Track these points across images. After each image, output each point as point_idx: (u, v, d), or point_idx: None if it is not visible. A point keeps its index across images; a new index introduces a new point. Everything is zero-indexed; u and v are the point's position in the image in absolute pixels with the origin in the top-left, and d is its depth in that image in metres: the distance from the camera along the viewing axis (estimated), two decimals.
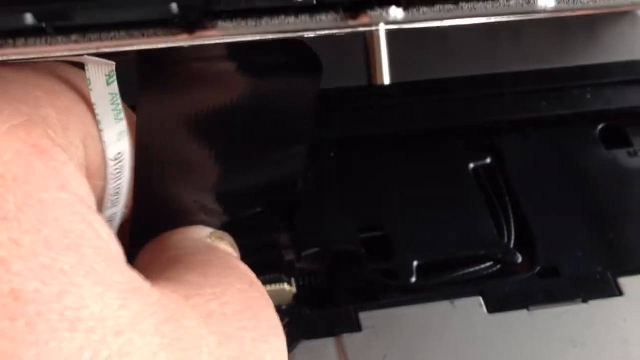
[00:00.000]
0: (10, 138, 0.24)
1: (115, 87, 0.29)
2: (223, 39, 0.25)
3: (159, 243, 0.31)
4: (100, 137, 0.29)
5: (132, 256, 0.34)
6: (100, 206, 0.31)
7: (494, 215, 0.41)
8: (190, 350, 0.24)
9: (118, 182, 0.31)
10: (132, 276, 0.24)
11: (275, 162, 0.35)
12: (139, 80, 0.31)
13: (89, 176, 0.29)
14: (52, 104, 0.27)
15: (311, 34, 0.27)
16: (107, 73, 0.28)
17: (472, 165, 0.43)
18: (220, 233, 0.33)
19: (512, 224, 0.41)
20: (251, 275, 0.30)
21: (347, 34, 0.37)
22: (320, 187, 0.41)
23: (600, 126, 0.44)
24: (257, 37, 0.25)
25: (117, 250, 0.25)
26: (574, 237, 0.41)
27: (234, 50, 0.30)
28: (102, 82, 0.28)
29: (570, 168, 0.43)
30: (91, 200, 0.26)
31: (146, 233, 0.34)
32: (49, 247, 0.22)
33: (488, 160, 0.43)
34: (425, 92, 0.44)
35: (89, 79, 0.28)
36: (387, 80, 0.36)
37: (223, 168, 0.34)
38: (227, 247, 0.33)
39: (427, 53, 0.44)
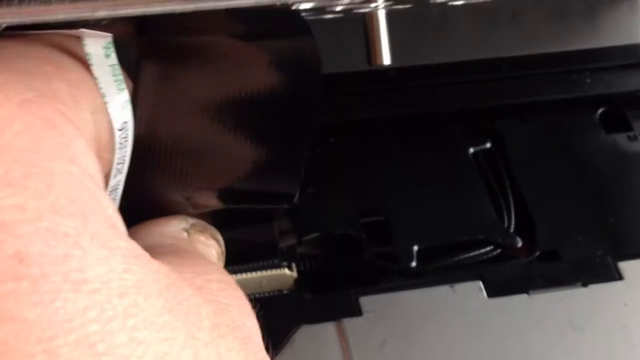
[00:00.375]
0: (22, 111, 0.24)
1: (114, 58, 0.29)
2: (217, 2, 0.25)
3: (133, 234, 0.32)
4: (106, 109, 0.29)
5: None
6: (108, 177, 0.31)
7: (494, 200, 0.41)
8: (192, 315, 0.24)
9: (123, 150, 0.31)
10: (135, 245, 0.24)
11: (275, 158, 0.35)
12: (138, 61, 0.31)
13: (100, 149, 0.29)
14: (63, 77, 0.27)
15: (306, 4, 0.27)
16: (105, 45, 0.28)
17: (471, 150, 0.43)
18: (201, 225, 0.33)
19: (512, 208, 0.41)
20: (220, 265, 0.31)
21: (347, 17, 0.37)
22: (320, 172, 0.41)
23: (600, 110, 0.44)
24: (251, 2, 0.25)
25: (121, 226, 0.25)
26: (573, 221, 0.41)
27: (233, 23, 0.30)
28: (101, 55, 0.28)
29: (570, 152, 0.43)
30: (99, 178, 0.26)
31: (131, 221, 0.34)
32: (54, 212, 0.22)
33: (488, 145, 0.43)
34: (424, 77, 0.44)
35: (89, 54, 0.28)
36: (387, 60, 0.36)
37: (222, 160, 0.34)
38: (207, 239, 0.33)
39: (426, 38, 0.44)
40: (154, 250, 0.28)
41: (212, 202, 0.35)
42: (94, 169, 0.26)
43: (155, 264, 0.24)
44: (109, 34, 0.28)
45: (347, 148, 0.43)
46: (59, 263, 0.21)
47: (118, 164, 0.31)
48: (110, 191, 0.32)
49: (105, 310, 0.21)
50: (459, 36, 0.44)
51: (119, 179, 0.32)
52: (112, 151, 0.30)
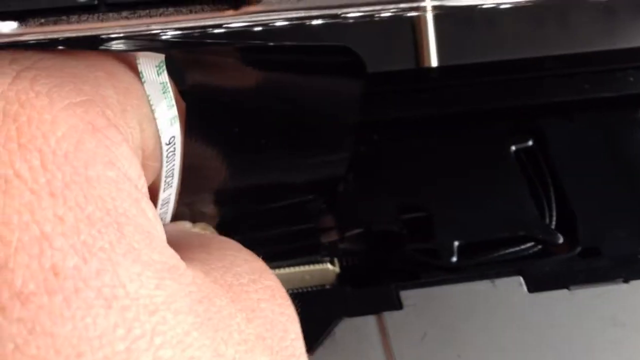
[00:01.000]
0: (67, 114, 0.24)
1: (165, 76, 0.30)
2: (268, 15, 0.26)
3: None
4: (155, 122, 0.30)
5: None
6: (157, 188, 0.32)
7: (535, 197, 0.41)
8: (222, 330, 0.24)
9: (172, 164, 0.32)
10: (170, 254, 0.24)
11: (314, 167, 0.36)
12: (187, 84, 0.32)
13: (145, 157, 0.30)
14: (112, 84, 0.27)
15: (354, 12, 0.27)
16: (157, 64, 0.29)
17: (513, 148, 0.43)
18: (203, 224, 0.34)
19: (554, 205, 0.41)
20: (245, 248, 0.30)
21: (394, 19, 0.37)
22: (364, 169, 0.42)
23: None
24: (301, 14, 0.26)
25: (160, 230, 0.25)
26: (615, 218, 0.41)
27: (279, 47, 0.30)
28: (153, 73, 0.29)
29: (613, 150, 0.43)
30: (141, 183, 0.26)
31: None
32: (91, 225, 0.22)
33: (530, 143, 0.43)
34: (468, 75, 0.44)
35: (141, 72, 0.29)
36: (434, 62, 0.37)
37: (254, 167, 0.35)
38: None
39: (472, 36, 0.44)
40: (181, 246, 0.28)
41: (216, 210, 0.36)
42: (136, 174, 0.26)
43: (188, 276, 0.24)
44: (162, 55, 0.29)
45: (390, 145, 0.43)
46: (92, 278, 0.22)
47: (167, 177, 0.32)
48: (162, 204, 0.33)
49: (134, 328, 0.22)
50: (504, 35, 0.44)
51: (169, 193, 0.33)
52: (159, 161, 0.31)
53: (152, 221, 0.25)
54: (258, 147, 0.35)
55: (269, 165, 0.36)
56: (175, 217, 0.35)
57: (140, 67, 0.29)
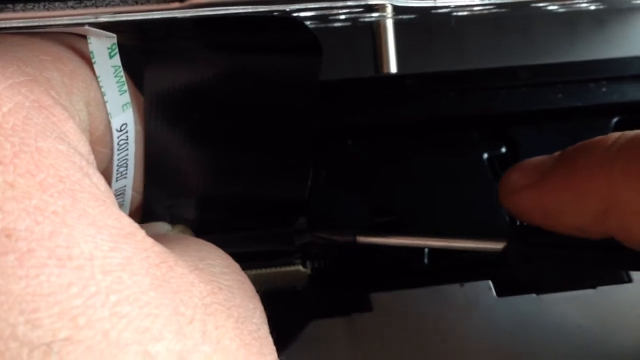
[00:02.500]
0: (12, 92, 0.25)
1: (117, 59, 0.30)
2: (215, 9, 0.26)
3: None
4: (105, 107, 0.30)
5: None
6: (109, 176, 0.32)
7: None
8: (182, 293, 0.24)
9: (124, 153, 0.32)
10: (127, 222, 0.25)
11: (277, 153, 0.36)
12: (145, 75, 0.32)
13: (93, 142, 0.30)
14: (57, 67, 0.28)
15: (302, 7, 0.27)
16: (109, 46, 0.29)
17: (486, 155, 0.43)
18: (182, 227, 0.34)
19: None
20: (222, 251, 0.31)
21: (356, 26, 0.37)
22: (337, 174, 0.42)
23: (615, 119, 0.45)
24: (249, 9, 0.26)
25: (113, 200, 0.26)
26: None
27: (229, 27, 0.30)
28: (104, 55, 0.29)
29: None
30: (92, 158, 0.27)
31: None
32: (43, 190, 0.23)
33: (503, 150, 0.44)
34: (440, 83, 0.44)
35: (92, 52, 0.29)
36: (393, 68, 0.37)
37: (218, 159, 0.35)
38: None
39: (438, 46, 0.45)
40: (160, 239, 0.28)
41: (195, 213, 0.36)
42: (85, 149, 0.26)
43: (148, 242, 0.25)
44: (114, 35, 0.29)
45: (363, 151, 0.43)
46: (45, 239, 0.22)
47: (119, 166, 0.32)
48: (117, 195, 0.33)
49: (88, 286, 0.22)
50: (469, 46, 0.45)
51: (123, 184, 0.33)
52: (110, 148, 0.31)
53: (104, 192, 0.25)
54: (220, 147, 0.35)
55: (234, 165, 0.36)
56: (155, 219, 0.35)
57: (92, 47, 0.29)
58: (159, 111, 0.32)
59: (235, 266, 0.29)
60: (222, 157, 0.35)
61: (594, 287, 0.38)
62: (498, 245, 0.36)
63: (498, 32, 0.46)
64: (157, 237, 0.29)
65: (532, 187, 0.35)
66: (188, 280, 0.25)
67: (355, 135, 0.44)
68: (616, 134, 0.33)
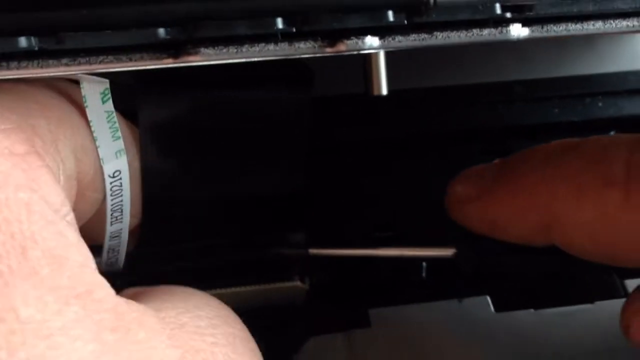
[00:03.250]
0: None
1: (110, 104, 0.30)
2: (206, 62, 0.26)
3: None
4: (97, 152, 0.30)
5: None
6: (102, 220, 0.32)
7: None
8: None
9: (118, 199, 0.32)
10: (87, 281, 0.24)
11: (271, 177, 0.36)
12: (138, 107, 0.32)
13: (83, 187, 0.30)
14: (44, 115, 0.28)
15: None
16: (102, 91, 0.29)
17: None
18: None
19: None
20: (216, 299, 0.30)
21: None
22: (335, 189, 0.42)
23: (612, 133, 0.45)
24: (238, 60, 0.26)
25: (83, 255, 0.25)
26: None
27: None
28: (97, 100, 0.29)
29: None
30: (65, 210, 0.26)
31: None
32: None
33: None
34: (437, 97, 0.44)
35: (85, 96, 0.29)
36: (384, 90, 0.37)
37: (214, 187, 0.35)
38: None
39: (432, 61, 0.45)
40: (145, 291, 0.28)
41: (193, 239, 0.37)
42: (58, 200, 0.26)
43: (107, 303, 0.24)
44: (107, 80, 0.29)
45: (362, 166, 0.43)
46: None
47: (114, 211, 0.32)
48: (112, 237, 0.33)
49: (17, 351, 0.22)
50: (461, 61, 0.45)
51: (118, 227, 0.33)
52: (102, 192, 0.31)
53: (72, 245, 0.25)
54: (216, 167, 0.35)
55: (230, 184, 0.36)
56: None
57: (84, 92, 0.29)
58: (153, 142, 0.32)
59: (229, 318, 0.29)
60: (219, 178, 0.35)
61: (591, 301, 0.38)
62: (448, 252, 0.36)
63: (489, 51, 0.46)
64: (135, 294, 0.29)
65: (476, 200, 0.35)
66: (149, 346, 0.24)
67: (354, 151, 0.44)
68: (552, 144, 0.34)
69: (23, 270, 0.23)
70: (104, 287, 0.24)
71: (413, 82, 0.45)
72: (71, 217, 0.26)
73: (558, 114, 0.45)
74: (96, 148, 0.30)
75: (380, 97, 0.44)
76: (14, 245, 0.23)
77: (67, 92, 0.30)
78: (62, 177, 0.28)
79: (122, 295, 0.25)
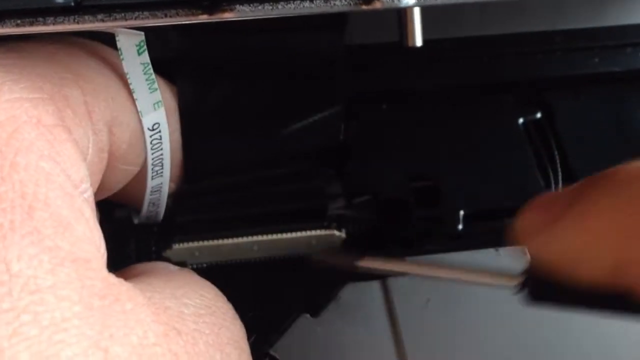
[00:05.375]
0: (11, 106, 0.25)
1: (146, 56, 0.30)
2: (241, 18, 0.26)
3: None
4: (135, 115, 0.30)
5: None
6: (143, 176, 0.33)
7: (542, 168, 0.42)
8: (118, 328, 0.23)
9: (159, 153, 0.32)
10: (87, 249, 0.24)
11: (310, 122, 0.36)
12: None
13: (115, 159, 0.30)
14: (79, 85, 0.28)
15: None
16: (137, 43, 0.29)
17: (521, 120, 0.43)
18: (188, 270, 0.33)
19: (560, 177, 0.41)
20: (217, 290, 0.30)
21: None
22: (372, 138, 0.42)
23: None
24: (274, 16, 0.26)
25: (91, 230, 0.25)
26: None
27: None
28: (133, 52, 0.29)
29: (622, 125, 0.43)
30: (84, 186, 0.26)
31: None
32: None
33: (538, 115, 0.44)
34: (475, 47, 0.44)
35: (120, 49, 0.29)
36: (419, 42, 0.37)
37: (255, 134, 0.36)
38: None
39: (467, 11, 0.44)
40: (145, 273, 0.29)
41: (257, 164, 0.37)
42: (77, 176, 0.26)
43: (99, 271, 0.24)
44: (142, 32, 0.29)
45: (398, 115, 0.43)
46: None
47: (155, 165, 0.32)
48: (153, 191, 0.34)
49: (2, 301, 0.22)
50: (503, 10, 0.45)
51: (159, 182, 0.33)
52: (134, 165, 0.31)
53: (83, 219, 0.25)
54: (254, 113, 0.35)
55: (268, 131, 0.36)
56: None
57: (120, 44, 0.29)
58: (192, 96, 0.33)
59: (220, 309, 0.29)
60: (258, 131, 0.36)
61: None
62: (512, 282, 0.34)
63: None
64: (143, 269, 0.30)
65: (545, 231, 0.29)
66: (135, 317, 0.24)
67: (390, 99, 0.44)
68: (634, 164, 0.28)
69: (24, 227, 0.23)
70: (102, 262, 0.25)
71: (449, 32, 0.44)
72: (89, 194, 0.27)
73: (598, 64, 0.45)
74: (135, 106, 0.30)
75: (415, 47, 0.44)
76: (22, 204, 0.23)
77: (103, 57, 0.30)
78: (91, 150, 0.28)
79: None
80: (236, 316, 0.29)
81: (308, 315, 0.36)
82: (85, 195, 0.26)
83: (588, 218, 0.27)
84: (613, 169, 0.28)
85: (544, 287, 0.30)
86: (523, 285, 0.31)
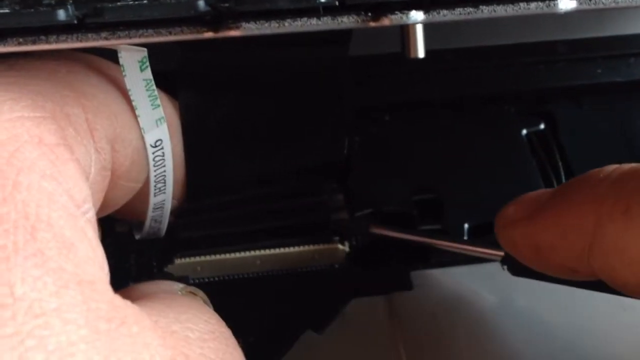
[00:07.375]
0: (12, 125, 0.25)
1: (148, 73, 0.30)
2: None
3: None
4: (137, 132, 0.30)
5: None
6: (146, 193, 0.32)
7: (546, 180, 0.42)
8: (125, 353, 0.23)
9: (161, 170, 0.32)
10: (92, 272, 0.24)
11: (314, 139, 0.36)
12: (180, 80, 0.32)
13: (117, 177, 0.30)
14: (81, 103, 0.28)
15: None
16: (140, 59, 0.29)
17: (525, 131, 0.43)
18: (192, 288, 0.33)
19: None
20: (218, 316, 0.30)
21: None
22: (374, 150, 0.42)
23: None
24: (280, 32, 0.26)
25: (94, 251, 0.25)
26: None
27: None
28: (135, 68, 0.29)
29: (625, 136, 0.43)
30: (86, 207, 0.26)
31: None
32: (1, 223, 0.23)
33: (541, 126, 0.43)
34: (478, 58, 0.44)
35: (123, 66, 0.29)
36: (421, 54, 0.37)
37: (261, 149, 0.36)
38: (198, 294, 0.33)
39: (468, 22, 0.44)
40: (148, 296, 0.28)
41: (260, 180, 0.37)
42: (80, 196, 0.26)
43: (105, 294, 0.24)
44: (144, 49, 0.29)
45: (401, 127, 0.43)
46: None
47: (157, 182, 0.32)
48: (155, 208, 0.34)
49: (6, 326, 0.21)
50: (506, 21, 0.44)
51: (161, 198, 0.33)
52: (136, 182, 0.31)
53: (86, 240, 0.25)
54: (257, 128, 0.35)
55: (271, 147, 0.36)
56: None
57: (122, 61, 0.29)
58: (194, 110, 0.32)
59: (220, 332, 0.28)
60: (261, 145, 0.36)
61: None
62: (499, 253, 0.35)
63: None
64: (146, 290, 0.29)
65: (525, 221, 0.32)
66: (142, 341, 0.24)
67: (392, 111, 0.43)
68: (611, 167, 0.31)
69: (28, 248, 0.23)
70: (106, 284, 0.24)
71: (451, 43, 0.44)
72: (92, 214, 0.26)
73: (601, 74, 0.44)
74: (137, 123, 0.30)
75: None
76: (25, 225, 0.23)
77: (106, 74, 0.30)
78: (93, 169, 0.28)
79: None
80: (236, 343, 0.29)
81: (312, 331, 0.36)
82: (88, 216, 0.26)
83: (566, 206, 0.30)
84: (590, 171, 0.31)
85: (520, 268, 0.33)
86: (503, 262, 0.35)
